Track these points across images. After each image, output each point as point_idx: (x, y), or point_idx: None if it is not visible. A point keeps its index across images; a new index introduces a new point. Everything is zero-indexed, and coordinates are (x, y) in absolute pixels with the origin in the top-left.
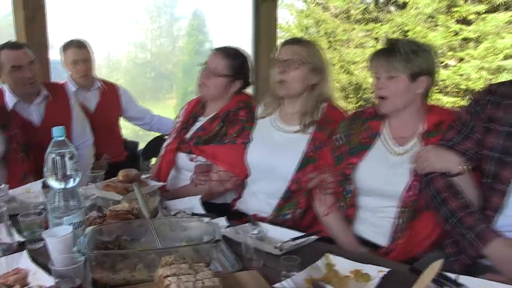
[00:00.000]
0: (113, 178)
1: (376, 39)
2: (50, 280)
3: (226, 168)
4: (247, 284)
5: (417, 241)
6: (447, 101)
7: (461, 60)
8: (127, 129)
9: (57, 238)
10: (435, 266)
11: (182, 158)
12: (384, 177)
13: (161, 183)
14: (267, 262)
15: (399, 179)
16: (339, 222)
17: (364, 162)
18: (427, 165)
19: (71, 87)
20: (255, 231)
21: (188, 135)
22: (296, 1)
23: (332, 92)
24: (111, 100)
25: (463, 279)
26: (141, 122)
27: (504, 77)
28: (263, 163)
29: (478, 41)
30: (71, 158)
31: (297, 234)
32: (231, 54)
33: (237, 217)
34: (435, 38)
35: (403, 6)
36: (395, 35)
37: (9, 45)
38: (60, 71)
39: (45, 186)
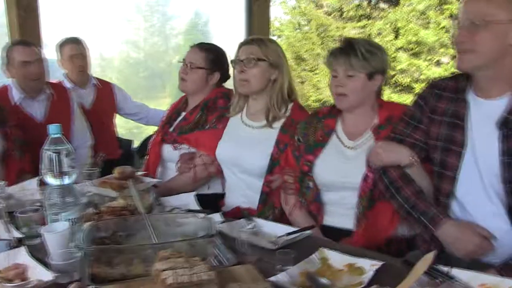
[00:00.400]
0: (108, 176)
1: (369, 35)
2: (48, 275)
3: (208, 152)
4: (242, 278)
5: (379, 228)
6: None
7: (454, 57)
8: (121, 128)
9: (55, 234)
10: (428, 259)
11: (167, 149)
12: (341, 171)
13: (156, 180)
14: (262, 257)
15: (356, 171)
16: (304, 219)
17: (321, 159)
18: (377, 160)
19: (67, 85)
20: (250, 226)
21: (171, 129)
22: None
23: (293, 87)
24: (106, 98)
25: (455, 271)
26: (137, 117)
27: None
28: (229, 156)
29: None
30: (67, 155)
31: (292, 229)
32: (207, 48)
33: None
34: (427, 35)
35: (396, 2)
36: (387, 32)
37: (21, 42)
38: (54, 70)
39: (42, 184)
